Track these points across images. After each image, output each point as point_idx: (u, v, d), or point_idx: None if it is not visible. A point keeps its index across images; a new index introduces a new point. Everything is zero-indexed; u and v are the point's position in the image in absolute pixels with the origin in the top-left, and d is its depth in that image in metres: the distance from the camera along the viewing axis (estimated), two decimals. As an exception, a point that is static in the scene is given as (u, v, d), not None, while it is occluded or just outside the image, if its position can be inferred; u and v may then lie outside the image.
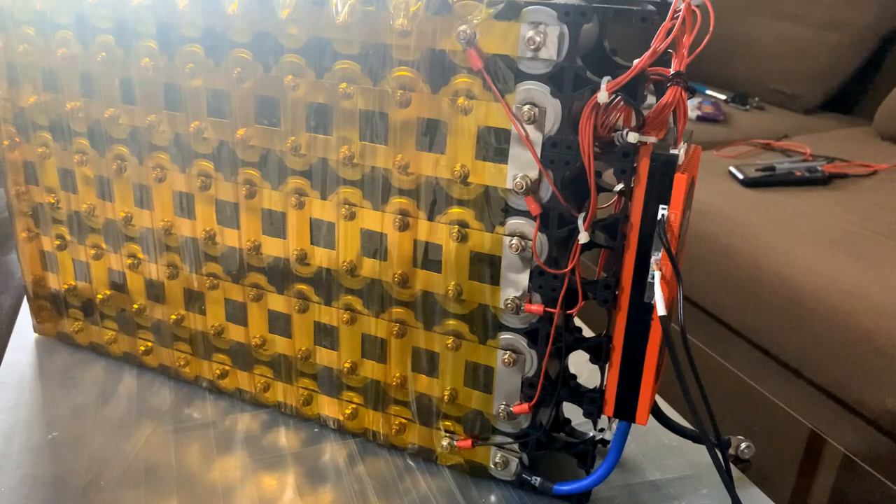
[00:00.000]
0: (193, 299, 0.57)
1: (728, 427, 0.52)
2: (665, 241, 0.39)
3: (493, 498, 0.50)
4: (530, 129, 0.41)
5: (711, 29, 0.39)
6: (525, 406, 0.47)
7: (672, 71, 0.38)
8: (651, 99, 0.40)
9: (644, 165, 0.39)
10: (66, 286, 0.63)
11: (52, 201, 0.60)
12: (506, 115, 0.41)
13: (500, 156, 0.43)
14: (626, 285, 0.42)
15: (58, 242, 0.61)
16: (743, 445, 0.54)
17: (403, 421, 0.53)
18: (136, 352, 0.62)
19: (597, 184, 0.41)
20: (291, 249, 0.51)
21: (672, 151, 0.39)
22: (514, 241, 0.44)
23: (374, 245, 0.49)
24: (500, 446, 0.50)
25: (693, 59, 0.39)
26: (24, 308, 0.68)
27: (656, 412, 0.49)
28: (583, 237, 0.42)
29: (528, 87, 0.41)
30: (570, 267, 0.43)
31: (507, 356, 0.47)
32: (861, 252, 1.10)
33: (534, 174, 0.42)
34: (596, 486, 0.48)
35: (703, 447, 0.43)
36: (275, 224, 0.52)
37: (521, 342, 0.46)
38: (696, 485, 0.52)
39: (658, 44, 0.37)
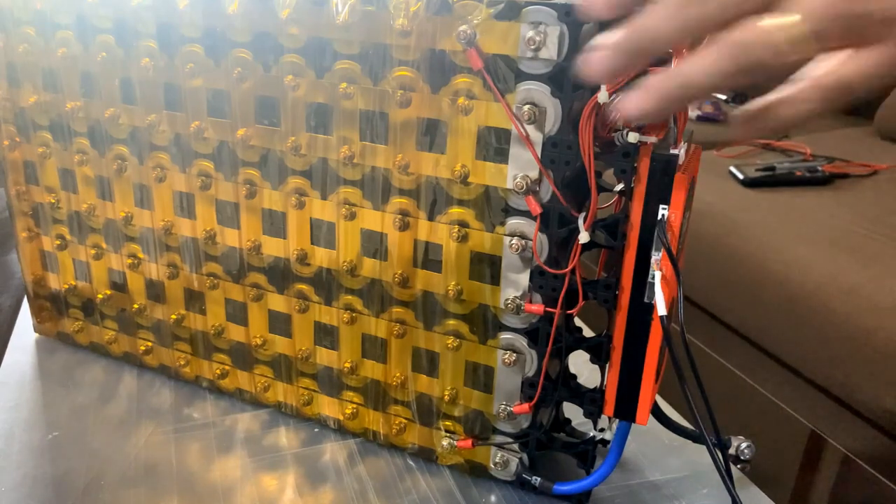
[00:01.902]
0: (193, 299, 0.57)
1: (728, 427, 0.52)
2: (665, 241, 0.39)
3: (493, 498, 0.50)
4: (530, 129, 0.41)
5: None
6: (525, 406, 0.47)
7: (672, 71, 0.38)
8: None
9: (644, 165, 0.39)
10: (66, 286, 0.63)
11: (53, 201, 0.60)
12: (506, 115, 0.41)
13: (501, 156, 0.43)
14: (626, 285, 0.42)
15: (58, 242, 0.61)
16: (743, 445, 0.54)
17: (403, 421, 0.53)
18: (136, 352, 0.62)
19: (597, 184, 0.41)
20: (291, 249, 0.51)
21: (672, 151, 0.39)
22: (514, 241, 0.44)
23: (374, 245, 0.49)
24: (500, 446, 0.50)
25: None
26: (25, 308, 0.68)
27: (656, 412, 0.49)
28: (583, 237, 0.42)
29: (529, 86, 0.41)
30: (570, 267, 0.43)
31: (507, 356, 0.47)
32: (861, 252, 1.10)
33: (534, 174, 0.42)
34: (596, 486, 0.48)
35: (703, 447, 0.43)
36: (275, 224, 0.52)
37: (522, 342, 0.46)
38: (696, 485, 0.52)
39: (658, 44, 0.37)
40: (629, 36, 0.30)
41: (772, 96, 0.31)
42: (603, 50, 0.31)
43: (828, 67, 0.30)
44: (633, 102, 0.31)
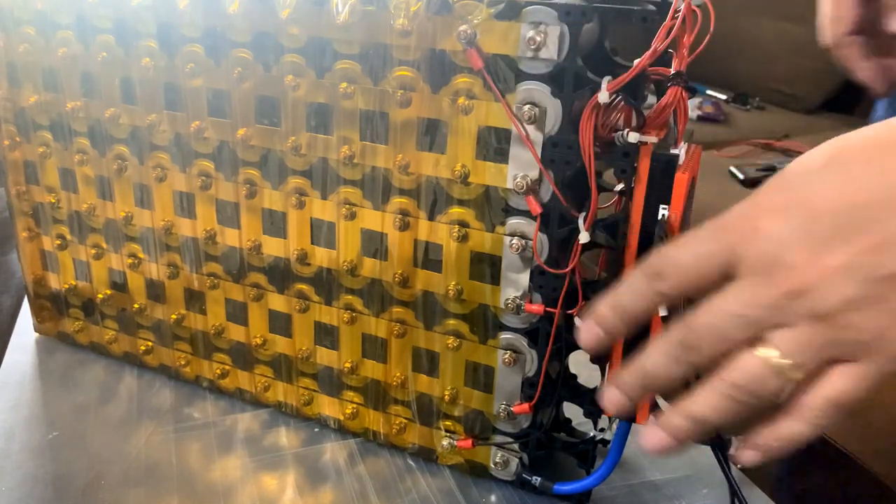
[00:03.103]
0: (194, 299, 0.57)
1: (728, 427, 0.52)
2: (665, 241, 0.39)
3: (493, 498, 0.50)
4: (531, 128, 0.41)
5: (712, 29, 0.39)
6: (525, 406, 0.47)
7: (672, 71, 0.38)
8: (651, 99, 0.40)
9: (644, 165, 0.39)
10: (66, 286, 0.63)
11: (53, 201, 0.60)
12: (506, 115, 0.41)
13: (501, 156, 0.43)
14: (627, 285, 0.41)
15: (58, 242, 0.61)
16: (743, 445, 0.54)
17: (404, 421, 0.53)
18: (136, 351, 0.62)
19: (597, 184, 0.41)
20: (292, 249, 0.51)
21: (672, 151, 0.39)
22: (514, 241, 0.44)
23: (374, 245, 0.49)
24: (500, 446, 0.50)
25: (693, 59, 0.39)
26: (25, 308, 0.68)
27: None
28: (583, 237, 0.42)
29: (529, 86, 0.41)
30: (570, 267, 0.43)
31: (507, 356, 0.47)
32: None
33: (534, 174, 0.42)
34: (596, 486, 0.48)
35: (703, 447, 0.43)
36: (275, 224, 0.52)
37: (522, 342, 0.46)
38: (696, 485, 0.52)
39: (658, 43, 0.37)
40: (632, 379, 0.35)
41: (766, 428, 0.34)
42: (613, 389, 0.37)
43: (816, 389, 0.33)
44: (656, 443, 0.36)
